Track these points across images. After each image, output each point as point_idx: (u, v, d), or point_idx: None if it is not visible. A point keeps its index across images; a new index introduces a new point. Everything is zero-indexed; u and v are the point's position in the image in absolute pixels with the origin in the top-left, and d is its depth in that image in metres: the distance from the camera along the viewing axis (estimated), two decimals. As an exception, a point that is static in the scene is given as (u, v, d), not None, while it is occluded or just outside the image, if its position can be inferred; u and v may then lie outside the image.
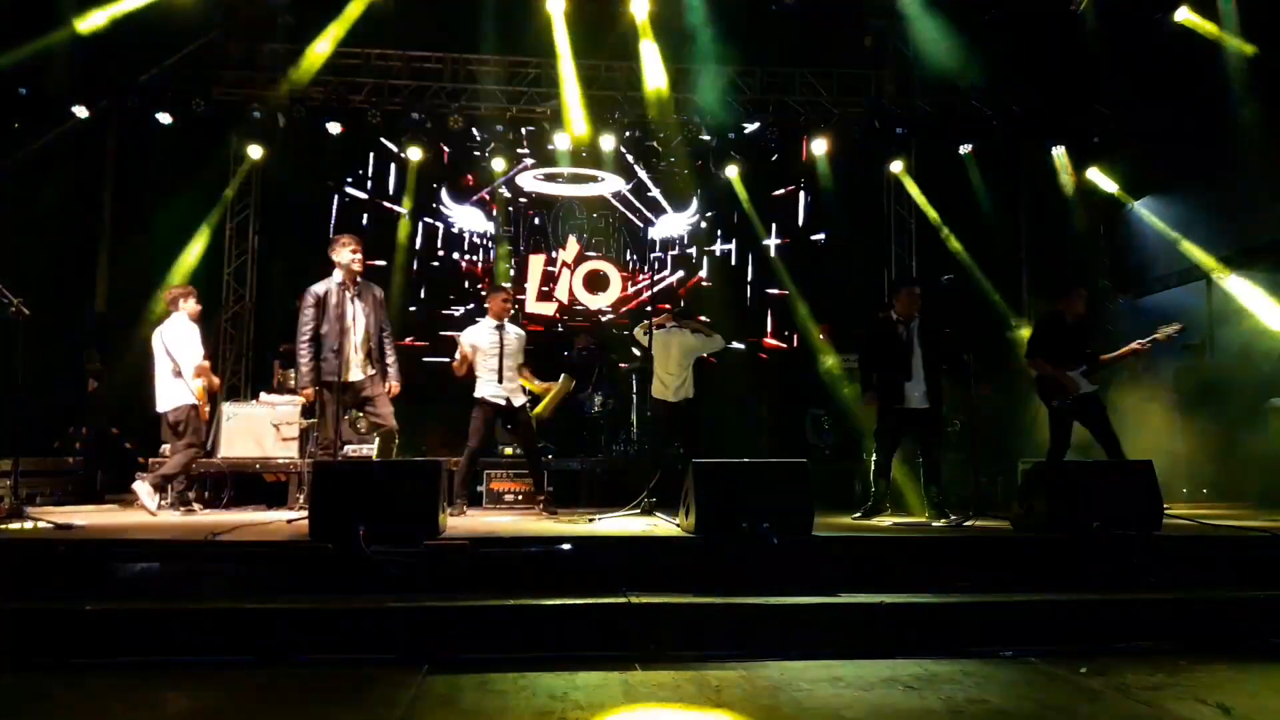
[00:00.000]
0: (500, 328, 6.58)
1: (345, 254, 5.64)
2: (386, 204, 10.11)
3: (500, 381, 6.49)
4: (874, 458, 6.34)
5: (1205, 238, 8.20)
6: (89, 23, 8.00)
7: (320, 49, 8.89)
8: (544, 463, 7.87)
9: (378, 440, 6.07)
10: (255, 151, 9.31)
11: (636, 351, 7.16)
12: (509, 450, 7.94)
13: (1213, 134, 7.86)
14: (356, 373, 5.73)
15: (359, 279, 5.75)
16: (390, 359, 5.94)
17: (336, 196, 9.99)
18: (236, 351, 9.56)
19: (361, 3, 8.86)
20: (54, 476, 7.62)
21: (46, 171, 8.48)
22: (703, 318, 7.35)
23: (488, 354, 6.51)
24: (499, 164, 9.84)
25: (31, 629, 3.77)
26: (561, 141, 9.63)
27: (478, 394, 6.53)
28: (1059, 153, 9.65)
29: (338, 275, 5.65)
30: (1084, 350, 6.36)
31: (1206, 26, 8.12)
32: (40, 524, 5.22)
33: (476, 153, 9.98)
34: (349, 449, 7.47)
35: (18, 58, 7.95)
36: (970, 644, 3.91)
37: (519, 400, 6.64)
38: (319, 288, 5.70)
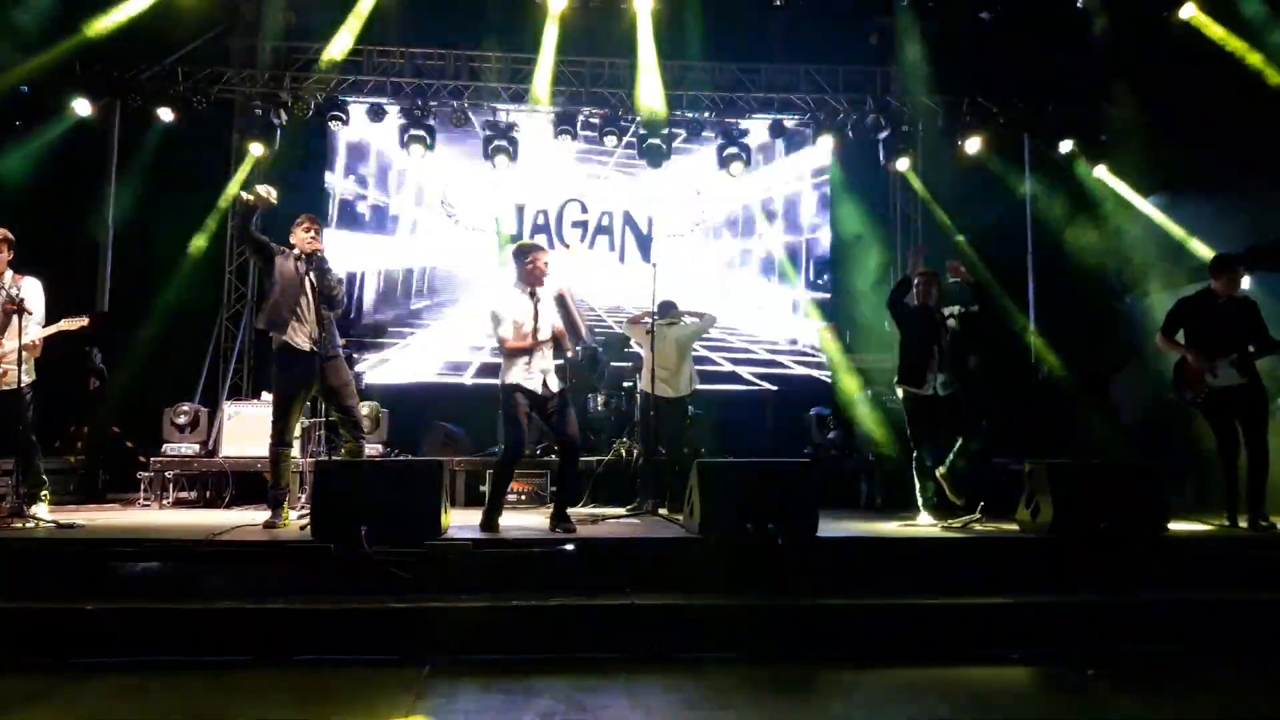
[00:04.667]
0: (533, 295, 5.44)
1: (299, 233, 5.47)
2: (389, 202, 10.08)
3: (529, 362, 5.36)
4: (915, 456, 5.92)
5: (1214, 237, 8.15)
6: (100, 24, 8.04)
7: (332, 50, 8.91)
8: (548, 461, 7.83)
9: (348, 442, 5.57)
10: (257, 149, 9.30)
11: (636, 345, 7.06)
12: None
13: (1221, 132, 7.81)
14: (306, 346, 5.29)
15: (319, 257, 5.43)
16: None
17: (339, 195, 9.97)
18: (238, 350, 9.54)
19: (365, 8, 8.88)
20: (55, 476, 7.60)
21: (48, 169, 8.46)
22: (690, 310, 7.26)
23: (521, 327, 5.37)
24: (502, 161, 9.82)
25: (33, 628, 3.77)
26: (565, 139, 9.63)
27: (510, 380, 5.37)
28: (1067, 150, 9.60)
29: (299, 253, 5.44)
30: (1240, 336, 5.51)
31: (1211, 25, 8.10)
32: (42, 523, 5.22)
33: (479, 150, 9.95)
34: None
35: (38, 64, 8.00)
36: (977, 646, 3.89)
37: (556, 384, 5.45)
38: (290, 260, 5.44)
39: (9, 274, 5.39)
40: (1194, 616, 4.15)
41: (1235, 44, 7.95)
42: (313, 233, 5.50)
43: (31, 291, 5.44)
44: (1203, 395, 5.60)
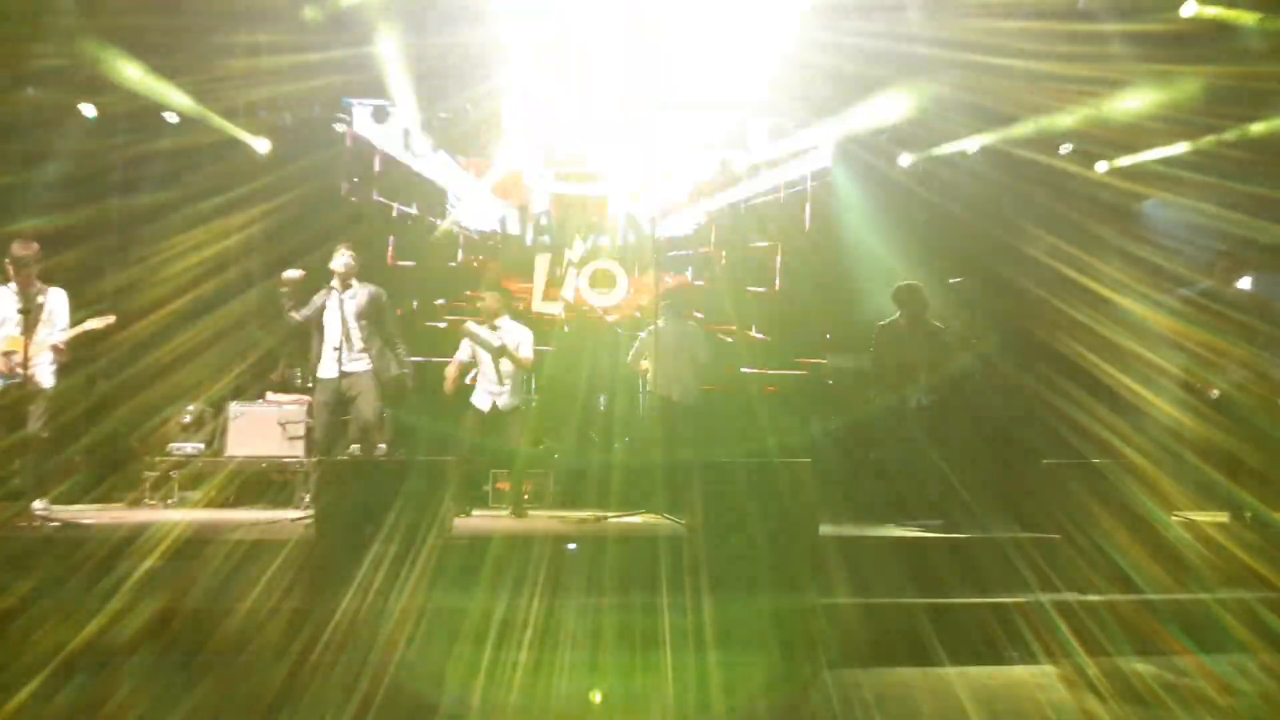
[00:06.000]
0: (494, 329, 6.80)
1: (335, 259, 6.02)
2: (393, 204, 10.10)
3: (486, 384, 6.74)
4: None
5: (1215, 236, 8.15)
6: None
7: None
8: (552, 461, 7.90)
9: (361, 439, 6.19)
10: (263, 150, 9.32)
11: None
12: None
13: (1223, 130, 7.81)
14: (330, 370, 5.92)
15: (352, 282, 6.01)
16: (378, 353, 6.10)
17: (343, 196, 9.98)
18: (244, 350, 9.55)
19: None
20: (59, 475, 7.62)
21: (53, 171, 8.49)
22: (698, 314, 7.34)
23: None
24: (507, 163, 9.84)
25: (37, 627, 3.79)
26: (569, 140, 9.64)
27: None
28: (1067, 151, 9.60)
29: (334, 280, 6.00)
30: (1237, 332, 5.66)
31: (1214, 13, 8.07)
32: (46, 522, 5.25)
33: (483, 152, 9.97)
34: (354, 448, 7.46)
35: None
36: (977, 645, 3.90)
37: (504, 403, 6.76)
38: (322, 293, 6.08)
39: (38, 284, 5.64)
40: (1191, 615, 4.17)
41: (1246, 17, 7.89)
42: (347, 257, 6.00)
43: (56, 301, 5.70)
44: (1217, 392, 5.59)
